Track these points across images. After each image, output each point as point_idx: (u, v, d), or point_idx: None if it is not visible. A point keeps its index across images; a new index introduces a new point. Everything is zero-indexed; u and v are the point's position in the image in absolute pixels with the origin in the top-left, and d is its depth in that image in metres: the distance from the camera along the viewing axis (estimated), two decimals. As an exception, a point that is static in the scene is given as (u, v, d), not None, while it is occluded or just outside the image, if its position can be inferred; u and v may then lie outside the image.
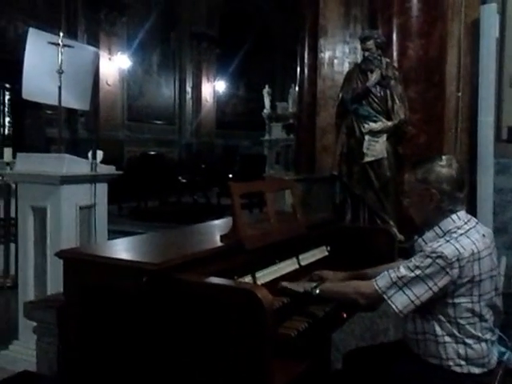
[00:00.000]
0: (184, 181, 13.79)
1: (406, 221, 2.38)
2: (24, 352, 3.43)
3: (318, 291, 2.32)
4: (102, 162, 3.70)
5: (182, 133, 18.82)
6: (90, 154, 3.53)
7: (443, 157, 2.28)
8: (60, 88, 5.61)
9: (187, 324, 1.89)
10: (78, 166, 3.54)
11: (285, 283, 2.40)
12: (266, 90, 15.26)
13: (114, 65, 15.00)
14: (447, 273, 2.09)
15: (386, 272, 2.20)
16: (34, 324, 2.73)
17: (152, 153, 15.81)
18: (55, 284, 3.22)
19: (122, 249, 2.36)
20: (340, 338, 3.53)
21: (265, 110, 14.98)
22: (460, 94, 5.64)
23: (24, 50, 5.74)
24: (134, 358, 1.98)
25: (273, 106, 15.22)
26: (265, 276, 2.42)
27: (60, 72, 5.30)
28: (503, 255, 4.89)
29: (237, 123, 20.43)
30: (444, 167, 2.23)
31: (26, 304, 2.88)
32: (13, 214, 5.29)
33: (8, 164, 5.15)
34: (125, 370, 2.01)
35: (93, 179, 3.57)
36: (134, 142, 15.90)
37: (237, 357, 1.80)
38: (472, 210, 4.31)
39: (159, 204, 13.25)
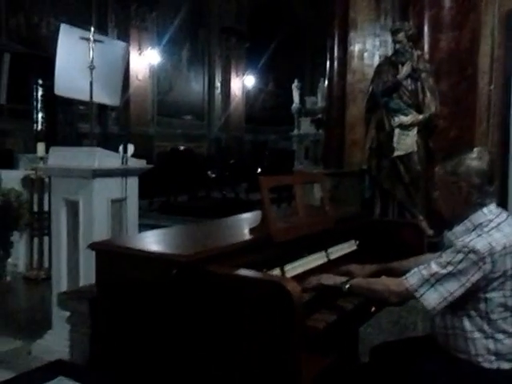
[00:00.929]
0: (213, 176, 13.86)
1: (435, 215, 2.36)
2: (58, 342, 3.49)
3: (348, 286, 2.30)
4: (132, 156, 3.74)
5: (211, 128, 18.90)
6: (121, 148, 3.57)
7: (474, 149, 2.24)
8: (91, 83, 5.69)
9: (216, 316, 1.90)
10: (110, 159, 3.58)
11: (315, 277, 2.40)
12: (295, 85, 15.25)
13: (144, 60, 15.12)
14: (480, 268, 2.06)
15: (416, 269, 2.17)
16: (68, 314, 2.79)
17: (181, 148, 15.92)
18: (87, 276, 3.28)
19: (153, 241, 2.40)
20: (367, 332, 3.52)
21: (294, 105, 14.97)
22: (492, 86, 5.56)
23: (56, 46, 5.83)
24: (163, 348, 2.01)
25: (302, 101, 15.20)
26: (293, 269, 2.42)
27: (91, 67, 5.37)
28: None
29: (266, 118, 20.44)
30: (474, 160, 2.19)
31: (59, 295, 2.95)
32: (46, 208, 5.40)
33: (41, 158, 5.26)
34: (154, 359, 2.04)
35: (124, 173, 3.61)
36: (163, 137, 16.02)
37: (265, 349, 1.81)
38: (503, 203, 4.25)
39: (188, 199, 13.34)
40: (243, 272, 1.92)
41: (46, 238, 5.58)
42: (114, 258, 2.16)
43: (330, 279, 2.37)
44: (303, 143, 14.19)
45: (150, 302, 2.03)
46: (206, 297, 1.92)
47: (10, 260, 5.82)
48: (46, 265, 5.54)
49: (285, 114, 15.58)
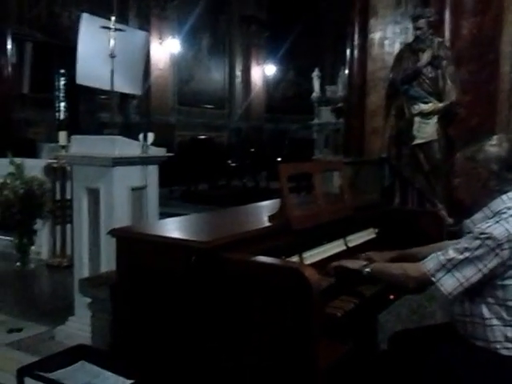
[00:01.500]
0: (233, 165, 13.89)
1: (455, 204, 2.36)
2: (80, 327, 3.55)
3: (368, 270, 2.32)
4: (152, 144, 3.77)
5: (231, 117, 18.91)
6: (141, 137, 3.60)
7: (494, 136, 2.24)
8: (112, 72, 5.73)
9: (234, 302, 1.92)
10: (130, 148, 3.61)
11: (336, 262, 2.41)
12: (315, 74, 15.11)
13: (165, 49, 15.15)
14: (497, 254, 2.06)
15: (434, 254, 2.18)
16: (89, 300, 2.84)
17: (202, 137, 15.96)
18: (108, 262, 3.32)
19: (172, 228, 2.42)
20: (386, 320, 3.51)
21: (314, 94, 14.84)
22: (514, 74, 5.47)
23: (77, 35, 5.89)
24: (182, 333, 2.04)
25: (322, 90, 15.06)
26: (312, 256, 2.43)
27: (112, 56, 5.41)
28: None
29: (286, 107, 20.34)
30: (493, 146, 2.19)
31: (80, 281, 2.99)
32: (69, 196, 5.47)
33: (63, 147, 5.32)
34: (173, 344, 2.07)
35: (144, 161, 3.64)
36: (184, 126, 16.08)
37: (283, 336, 1.83)
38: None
39: (209, 187, 13.41)
40: (261, 259, 1.94)
41: (68, 226, 5.65)
42: (133, 244, 2.19)
43: (350, 263, 2.40)
44: (323, 132, 14.09)
45: (169, 288, 2.06)
46: (224, 283, 1.94)
47: (33, 248, 5.91)
48: (69, 252, 5.61)
49: (305, 103, 15.46)
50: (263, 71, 20.17)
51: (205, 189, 13.21)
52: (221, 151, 15.61)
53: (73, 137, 3.82)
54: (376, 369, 2.66)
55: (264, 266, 1.89)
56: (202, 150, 14.44)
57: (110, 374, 2.20)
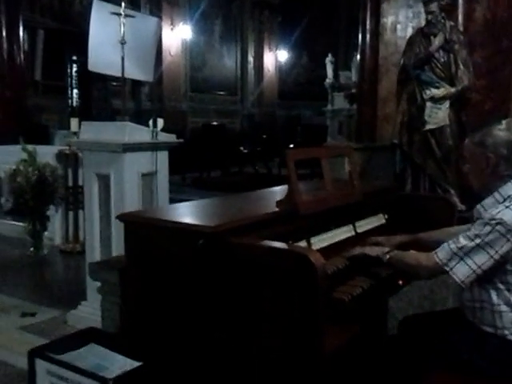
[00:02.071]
0: (246, 151, 13.88)
1: (467, 190, 2.35)
2: (92, 312, 3.60)
3: (388, 258, 2.33)
4: (164, 130, 3.78)
5: (244, 103, 18.86)
6: (150, 122, 3.61)
7: (503, 121, 2.22)
8: (123, 58, 5.73)
9: (241, 286, 1.94)
10: (140, 133, 3.63)
11: (359, 247, 2.43)
12: (328, 59, 14.99)
13: (177, 35, 15.11)
14: (508, 239, 2.05)
15: (445, 244, 2.17)
16: (99, 284, 2.87)
17: (214, 123, 15.95)
18: (119, 247, 3.32)
19: (180, 213, 2.44)
20: (398, 307, 3.52)
21: (327, 80, 14.74)
22: (528, 58, 5.40)
23: (89, 21, 5.88)
24: (189, 316, 2.05)
25: (336, 76, 14.96)
26: (320, 242, 2.43)
27: (122, 42, 5.40)
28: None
29: (299, 93, 20.22)
30: (502, 131, 2.17)
31: (90, 265, 3.03)
32: (81, 183, 5.51)
33: (75, 133, 5.35)
34: (180, 327, 2.09)
35: (154, 147, 3.66)
36: (196, 112, 16.07)
37: (289, 319, 1.84)
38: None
39: (221, 174, 13.42)
40: (267, 243, 1.95)
41: (81, 212, 5.71)
42: (142, 228, 2.21)
43: (372, 250, 2.41)
44: (337, 118, 14.03)
45: (177, 272, 2.08)
46: (231, 267, 1.95)
47: (46, 234, 5.97)
48: (82, 238, 5.66)
49: (319, 89, 15.36)
50: (276, 57, 20.05)
51: (217, 176, 13.23)
52: (233, 138, 15.60)
53: (83, 123, 3.85)
54: (386, 352, 2.67)
55: (270, 250, 1.90)
56: (214, 137, 14.45)
57: (119, 356, 2.23)
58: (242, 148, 13.92)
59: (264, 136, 15.73)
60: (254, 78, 19.23)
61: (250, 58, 18.98)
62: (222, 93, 17.69)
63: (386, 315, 3.30)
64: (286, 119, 20.04)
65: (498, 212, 2.09)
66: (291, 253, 1.85)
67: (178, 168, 11.45)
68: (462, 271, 2.10)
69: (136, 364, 2.15)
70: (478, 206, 2.25)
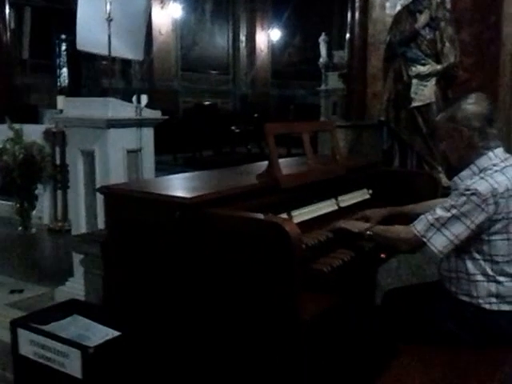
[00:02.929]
0: (237, 131, 13.84)
1: (451, 167, 2.39)
2: (79, 287, 3.60)
3: (370, 233, 2.36)
4: (152, 107, 3.77)
5: (236, 83, 18.77)
6: (134, 99, 3.60)
7: (472, 95, 2.26)
8: (110, 36, 5.67)
9: (218, 257, 1.96)
10: (125, 110, 3.62)
11: (340, 222, 2.45)
12: (322, 38, 14.88)
13: (167, 14, 14.96)
14: (483, 209, 2.09)
15: (423, 216, 2.22)
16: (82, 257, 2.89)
17: (206, 103, 15.87)
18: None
19: (160, 185, 2.45)
20: (387, 283, 3.57)
21: (321, 59, 14.66)
22: (517, 35, 5.38)
23: (77, -2, 5.81)
24: (168, 287, 2.08)
25: (329, 55, 14.87)
26: (301, 215, 2.45)
27: (109, 20, 5.34)
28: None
29: (292, 73, 20.11)
30: (471, 104, 2.22)
31: (73, 238, 3.04)
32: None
33: (62, 111, 5.31)
34: (161, 298, 2.12)
35: (139, 123, 3.65)
36: (188, 92, 15.99)
37: (266, 288, 1.87)
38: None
39: (213, 154, 13.40)
40: (243, 213, 1.96)
41: (69, 191, 5.69)
42: (121, 200, 2.23)
43: (351, 225, 2.44)
44: (331, 98, 13.97)
45: (156, 243, 2.10)
46: (208, 239, 1.97)
47: (34, 212, 5.97)
48: (70, 216, 5.66)
49: (313, 69, 15.27)
50: (268, 36, 19.91)
51: (209, 155, 13.21)
52: (226, 117, 15.53)
53: (66, 99, 3.84)
54: (371, 322, 2.71)
55: (246, 220, 1.92)
56: (206, 117, 14.39)
57: (100, 326, 2.27)
58: (234, 128, 13.88)
59: (256, 115, 15.66)
60: (247, 58, 19.11)
61: (243, 37, 18.84)
62: (214, 72, 17.58)
63: (374, 288, 3.34)
64: (280, 99, 19.96)
65: (473, 183, 2.13)
66: (266, 222, 1.87)
67: (170, 148, 11.44)
68: (439, 241, 2.14)
69: (116, 334, 2.18)
70: (455, 178, 2.29)
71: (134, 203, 2.16)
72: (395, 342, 2.31)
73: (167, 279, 2.08)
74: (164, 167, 3.90)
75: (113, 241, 2.27)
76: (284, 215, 2.34)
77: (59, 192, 5.96)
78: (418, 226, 2.20)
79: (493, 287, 2.18)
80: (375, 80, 6.37)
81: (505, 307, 2.19)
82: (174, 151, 11.90)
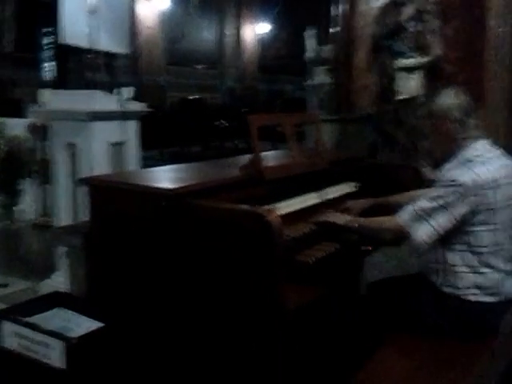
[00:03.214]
0: (225, 125, 13.80)
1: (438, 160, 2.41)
2: (63, 281, 3.60)
3: (356, 226, 2.39)
4: (133, 98, 3.74)
5: (224, 77, 18.68)
6: (119, 91, 3.57)
7: (446, 89, 2.32)
8: (93, 28, 5.61)
9: (202, 248, 1.96)
10: (108, 102, 3.59)
11: (326, 214, 2.48)
12: (308, 32, 14.82)
13: (153, 6, 14.80)
14: (466, 200, 2.11)
15: (408, 206, 2.24)
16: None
17: (193, 97, 15.78)
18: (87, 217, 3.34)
19: (144, 176, 2.45)
20: (372, 275, 3.58)
21: (307, 54, 14.61)
22: (501, 29, 5.38)
23: (60, -10, 5.75)
24: (153, 279, 2.07)
25: (316, 50, 14.81)
26: (285, 207, 2.44)
27: (92, 12, 5.29)
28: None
29: (280, 67, 20.07)
30: (447, 98, 2.28)
31: (55, 229, 3.02)
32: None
33: (44, 105, 5.25)
34: (144, 289, 2.11)
35: (123, 116, 3.63)
36: (175, 87, 15.86)
37: (248, 279, 1.87)
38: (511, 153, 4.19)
39: (200, 149, 13.35)
40: (227, 204, 1.96)
41: (52, 184, 5.63)
42: (105, 192, 2.22)
43: (339, 218, 2.47)
44: (318, 93, 13.95)
45: (139, 235, 2.09)
46: (191, 230, 1.97)
47: (18, 207, 5.90)
48: (53, 210, 5.61)
49: (300, 63, 15.22)
50: (256, 30, 19.83)
51: (197, 150, 13.17)
52: (213, 112, 15.46)
53: (50, 91, 3.80)
54: (354, 314, 2.72)
55: (229, 210, 1.92)
56: (193, 111, 14.31)
57: (84, 318, 2.27)
58: (221, 122, 13.83)
59: (244, 110, 15.61)
60: (234, 52, 19.02)
61: (229, 31, 18.74)
62: (201, 66, 17.49)
63: (359, 280, 3.35)
64: (267, 93, 19.91)
65: (458, 174, 2.15)
66: (249, 213, 1.87)
67: (157, 143, 11.38)
68: (423, 231, 2.16)
69: (100, 325, 2.18)
70: (441, 170, 2.30)
71: (117, 194, 2.16)
72: (379, 332, 2.32)
73: (151, 270, 2.07)
74: (150, 162, 3.87)
75: (96, 232, 2.26)
76: (268, 207, 2.33)
77: (43, 187, 5.89)
78: (403, 216, 2.22)
79: (476, 278, 2.20)
80: (361, 73, 6.37)
81: (488, 298, 2.21)
82: (160, 146, 11.83)
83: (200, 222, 1.95)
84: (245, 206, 1.92)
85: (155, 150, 11.44)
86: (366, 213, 2.66)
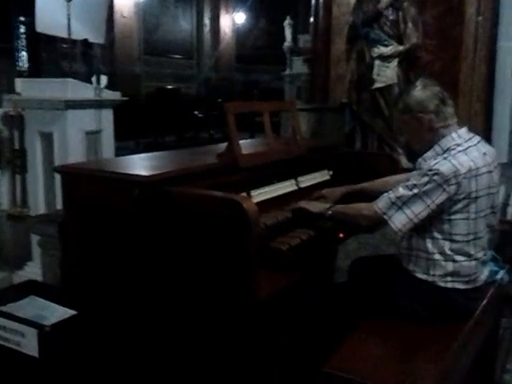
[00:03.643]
0: (201, 116, 13.74)
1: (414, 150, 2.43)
2: (37, 271, 3.57)
3: (330, 213, 2.39)
4: (107, 89, 3.71)
5: (200, 67, 18.56)
6: (94, 79, 3.54)
7: (417, 82, 2.32)
8: (69, 18, 5.54)
9: (176, 235, 1.95)
10: (83, 91, 3.56)
11: (302, 203, 2.47)
12: (287, 22, 14.81)
13: (130, -5, 14.66)
14: (444, 189, 2.12)
15: (385, 194, 2.25)
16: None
17: (169, 87, 15.67)
18: (63, 206, 3.31)
19: (118, 164, 2.42)
20: (347, 265, 3.61)
21: (285, 44, 14.61)
22: (480, 18, 5.41)
23: (36, -22, 5.66)
24: (127, 267, 2.06)
25: (294, 39, 14.81)
26: (261, 195, 2.45)
27: (68, 1, 5.22)
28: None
29: (257, 57, 19.97)
30: (419, 90, 2.28)
31: (30, 218, 3.00)
32: (28, 145, 5.34)
33: (19, 94, 5.17)
34: (118, 278, 2.10)
35: (98, 104, 3.60)
36: (151, 76, 15.73)
37: (223, 266, 1.87)
38: (488, 139, 4.23)
39: (176, 139, 13.30)
40: (201, 191, 1.96)
41: (27, 174, 5.57)
42: (78, 180, 2.20)
43: (312, 206, 2.46)
44: (295, 83, 13.95)
45: (113, 223, 2.08)
46: (166, 217, 1.96)
47: (-8, 198, 5.82)
48: (29, 200, 5.54)
49: (277, 53, 15.20)
50: (233, 20, 19.73)
51: (172, 140, 13.11)
52: (189, 102, 15.38)
53: (24, 80, 3.75)
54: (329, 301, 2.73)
55: (204, 197, 1.92)
56: (169, 101, 14.22)
57: (57, 306, 2.27)
58: (196, 112, 13.77)
59: (220, 100, 15.54)
60: (211, 42, 18.91)
61: (206, 21, 18.61)
62: (177, 56, 17.33)
63: (333, 268, 3.38)
64: (244, 84, 19.83)
65: (436, 163, 2.15)
66: (224, 199, 1.87)
67: (132, 133, 11.31)
68: (399, 219, 2.17)
69: (73, 313, 2.18)
70: (420, 159, 2.33)
71: (91, 182, 2.14)
72: (355, 319, 2.34)
73: (125, 258, 2.06)
74: (126, 153, 3.84)
75: (70, 221, 2.24)
76: (243, 194, 2.34)
77: (18, 177, 5.81)
78: (380, 204, 2.23)
79: (449, 266, 2.22)
80: (339, 62, 6.37)
81: (459, 285, 2.24)
82: (136, 137, 11.77)
83: (175, 209, 1.94)
84: (221, 193, 1.92)
85: (130, 141, 11.37)
86: (342, 200, 2.67)
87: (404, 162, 4.35)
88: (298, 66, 13.73)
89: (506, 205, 4.55)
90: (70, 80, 3.61)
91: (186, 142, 12.73)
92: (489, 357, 2.73)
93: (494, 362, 2.82)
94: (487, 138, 4.75)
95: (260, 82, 19.32)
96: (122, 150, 5.51)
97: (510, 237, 3.57)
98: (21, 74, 9.57)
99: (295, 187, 2.75)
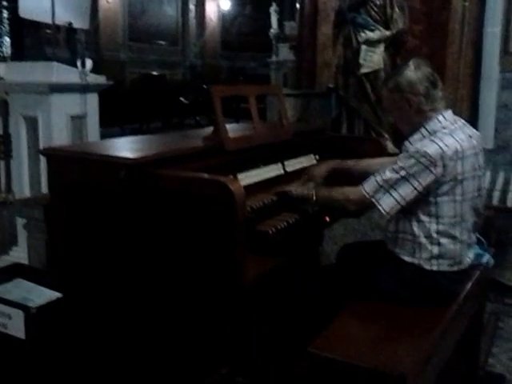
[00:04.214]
0: (186, 102, 13.67)
1: (400, 134, 2.43)
2: (22, 256, 3.55)
3: (315, 197, 2.38)
4: (92, 71, 3.67)
5: (185, 54, 18.45)
6: (79, 63, 3.50)
7: (410, 61, 2.30)
8: (53, 3, 5.47)
9: (163, 218, 1.95)
10: (68, 74, 3.53)
11: (287, 186, 2.48)
12: (273, 9, 14.71)
13: (114, -19, 14.51)
14: (431, 171, 2.12)
15: (372, 177, 2.24)
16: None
17: (154, 74, 15.57)
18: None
19: (105, 146, 2.41)
20: (333, 250, 3.63)
21: (272, 30, 14.53)
22: (467, 3, 5.41)
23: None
24: (113, 250, 2.06)
25: (281, 26, 14.73)
26: (247, 178, 2.44)
27: (51, -16, 5.14)
28: (502, 171, 4.87)
29: (243, 44, 19.88)
30: (411, 71, 2.26)
31: (16, 202, 2.98)
32: (12, 130, 5.29)
33: (2, 78, 5.11)
34: (105, 261, 2.09)
35: (83, 88, 3.56)
36: (136, 63, 15.61)
37: (210, 247, 1.87)
38: (474, 125, 4.25)
39: (161, 125, 13.23)
40: (188, 173, 1.95)
41: (12, 161, 5.52)
42: (64, 162, 2.18)
43: (299, 189, 2.47)
44: (281, 70, 13.91)
45: (100, 206, 2.06)
46: (153, 199, 1.96)
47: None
48: (14, 185, 5.50)
49: (264, 40, 15.13)
50: (218, 6, 19.60)
51: (157, 127, 13.04)
52: (174, 89, 15.29)
53: (8, 63, 3.71)
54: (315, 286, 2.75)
55: (191, 179, 1.91)
56: (154, 88, 14.13)
57: (44, 289, 2.28)
58: (182, 99, 13.70)
59: (205, 87, 15.46)
60: (196, 28, 18.77)
61: (192, 7, 18.46)
62: (162, 43, 17.21)
63: (319, 252, 3.40)
64: (230, 70, 19.75)
65: (423, 145, 2.16)
66: (211, 181, 1.86)
67: (117, 119, 11.24)
68: (387, 202, 2.18)
69: (59, 295, 2.18)
70: (406, 142, 2.32)
71: (77, 164, 2.12)
72: (340, 302, 2.35)
73: (111, 240, 2.05)
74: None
75: (56, 203, 2.22)
76: (230, 178, 2.34)
77: (2, 162, 5.76)
78: (367, 187, 2.23)
79: (435, 249, 2.22)
80: (325, 48, 6.37)
81: (444, 268, 2.25)
82: (121, 123, 11.69)
83: (161, 192, 1.94)
84: (207, 175, 1.92)
85: (116, 127, 11.29)
86: (327, 179, 2.67)
87: (390, 147, 4.37)
88: (285, 53, 13.68)
89: (491, 190, 4.59)
90: (55, 63, 3.57)
91: (172, 129, 12.66)
92: (473, 340, 2.76)
93: (478, 346, 2.84)
94: (473, 123, 4.79)
95: (246, 69, 19.25)
96: (107, 137, 5.45)
97: (495, 221, 3.62)
98: (4, 60, 9.43)
99: (282, 171, 2.75)
